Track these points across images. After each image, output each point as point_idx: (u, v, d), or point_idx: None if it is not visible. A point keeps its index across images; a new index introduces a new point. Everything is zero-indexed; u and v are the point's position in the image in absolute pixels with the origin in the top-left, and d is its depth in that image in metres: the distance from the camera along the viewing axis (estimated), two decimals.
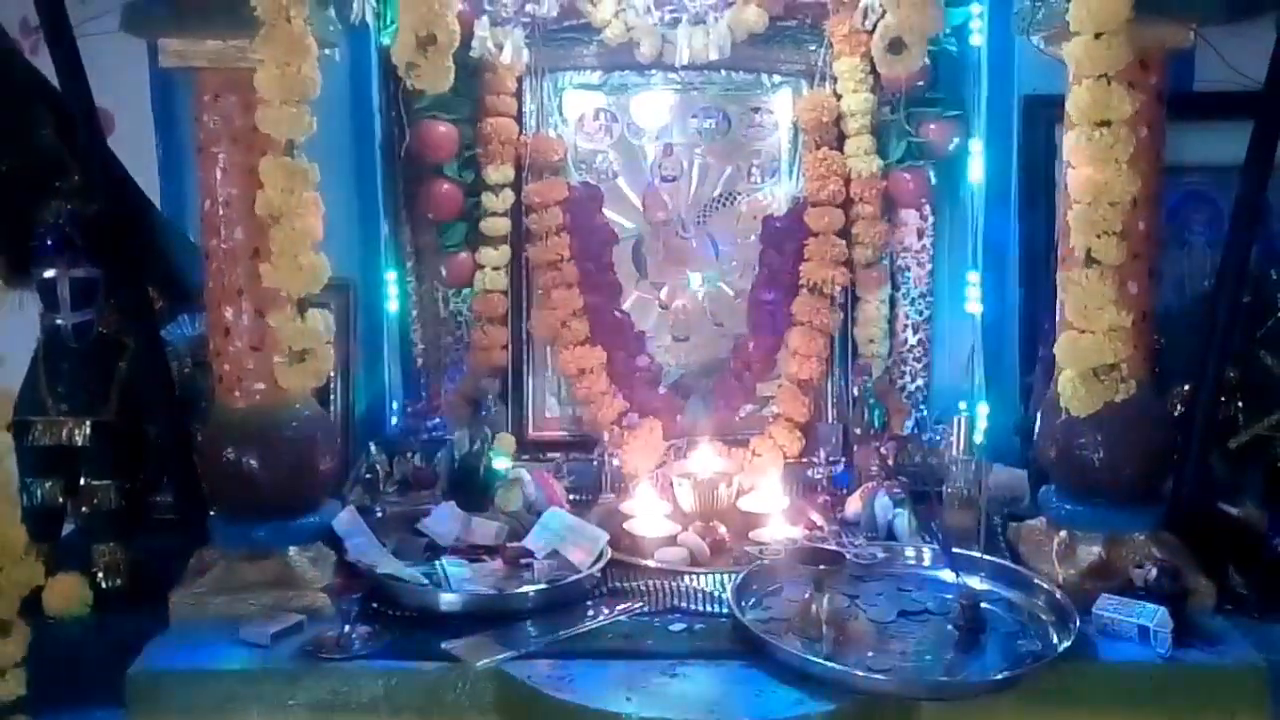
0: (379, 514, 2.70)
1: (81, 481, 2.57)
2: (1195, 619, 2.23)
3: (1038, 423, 2.51)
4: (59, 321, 2.52)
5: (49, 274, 2.50)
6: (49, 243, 2.49)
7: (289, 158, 2.22)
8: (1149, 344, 2.40)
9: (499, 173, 3.10)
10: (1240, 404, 2.60)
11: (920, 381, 3.16)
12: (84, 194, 2.53)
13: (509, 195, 3.11)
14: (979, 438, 2.90)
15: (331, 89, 2.35)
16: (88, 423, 2.55)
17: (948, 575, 2.39)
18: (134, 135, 2.97)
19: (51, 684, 2.15)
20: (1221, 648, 2.18)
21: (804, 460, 3.01)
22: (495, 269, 3.12)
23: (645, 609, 2.36)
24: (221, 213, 2.36)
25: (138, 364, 2.57)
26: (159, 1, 2.32)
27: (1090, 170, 2.14)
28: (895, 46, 2.24)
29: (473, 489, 2.82)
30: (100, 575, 2.50)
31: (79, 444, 2.55)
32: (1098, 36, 2.10)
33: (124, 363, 2.58)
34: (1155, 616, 2.15)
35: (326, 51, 2.38)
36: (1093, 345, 2.16)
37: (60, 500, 2.57)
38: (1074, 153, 2.18)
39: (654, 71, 3.14)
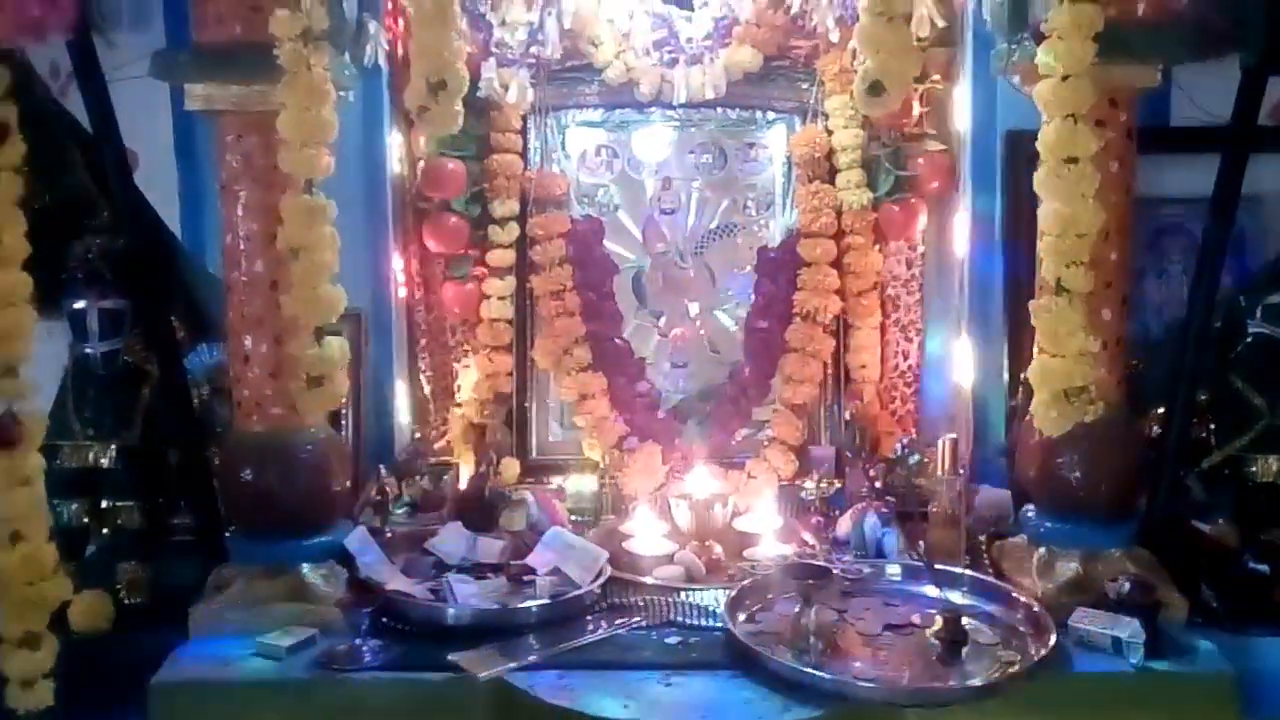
0: (388, 534, 2.79)
1: (105, 503, 2.68)
2: (1168, 631, 2.31)
3: (1018, 444, 2.62)
4: (88, 350, 2.65)
5: (79, 305, 2.64)
6: (79, 276, 2.63)
7: (308, 195, 2.33)
8: (1122, 368, 2.50)
9: (504, 207, 3.22)
10: (1213, 425, 2.70)
11: (910, 406, 3.27)
12: (113, 230, 2.66)
13: (514, 228, 3.24)
14: (965, 460, 3.00)
15: (345, 128, 2.46)
16: (113, 446, 2.67)
17: (931, 590, 2.49)
18: (157, 173, 3.07)
19: (77, 695, 2.27)
20: (1193, 659, 2.26)
21: (798, 482, 3.10)
22: (500, 299, 3.24)
23: (642, 623, 2.45)
24: (242, 247, 2.47)
25: (161, 391, 2.69)
26: (187, 50, 2.47)
27: (1059, 204, 2.25)
28: (875, 89, 2.36)
29: (478, 511, 2.91)
30: (123, 592, 2.60)
31: (104, 466, 2.66)
32: (1065, 79, 2.22)
33: (147, 389, 2.70)
34: (1129, 629, 2.24)
35: (341, 93, 2.50)
36: (1062, 369, 2.26)
37: (85, 520, 2.68)
38: (1044, 187, 2.29)
39: (653, 109, 3.27)
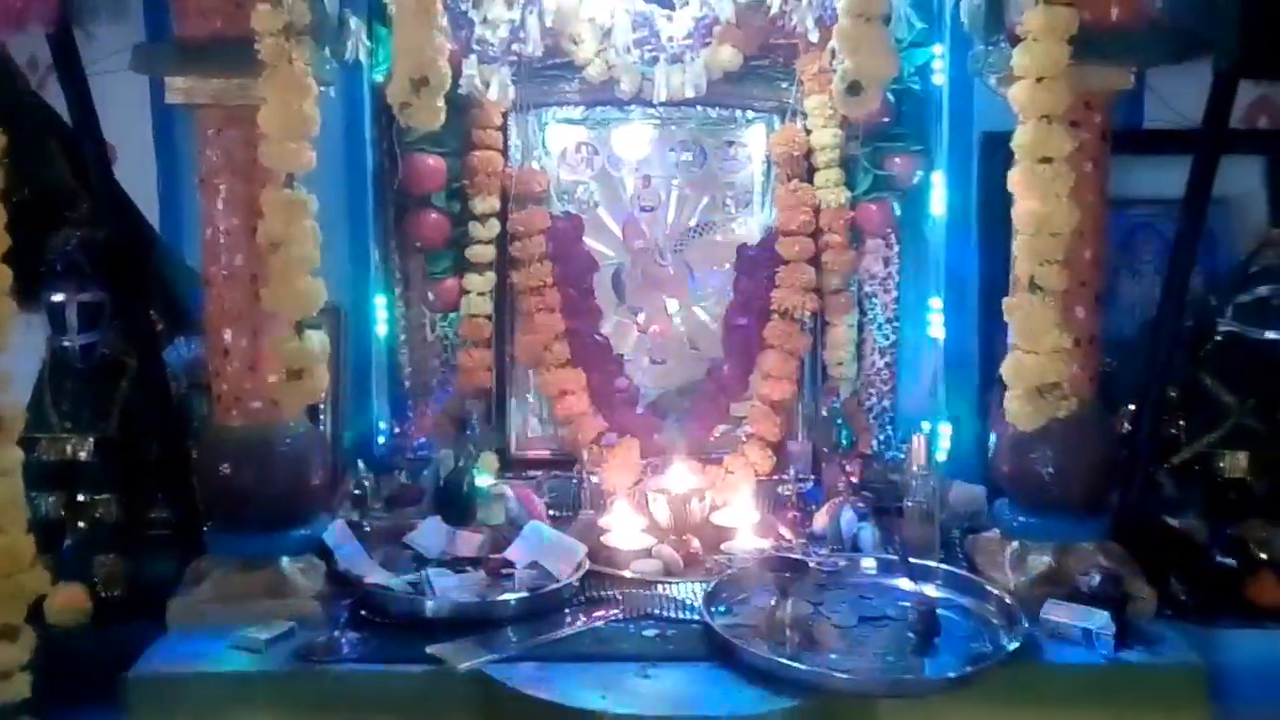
0: (367, 528, 2.79)
1: (83, 496, 2.67)
2: (1137, 623, 2.36)
3: (991, 439, 2.66)
4: (66, 343, 2.65)
5: (58, 298, 2.64)
6: (59, 268, 2.64)
7: (288, 189, 2.34)
8: (1095, 365, 2.53)
9: (485, 203, 3.23)
10: (1183, 422, 2.75)
11: (886, 402, 3.30)
12: (92, 223, 2.66)
13: (494, 224, 3.24)
14: (941, 455, 3.04)
15: (326, 123, 2.45)
16: (90, 440, 2.67)
17: (906, 584, 2.52)
18: (135, 167, 3.07)
19: (54, 688, 2.27)
20: (1161, 650, 2.30)
21: (775, 477, 3.13)
22: (480, 294, 3.25)
23: (621, 616, 2.47)
24: (222, 240, 2.48)
25: (139, 384, 2.69)
26: (168, 44, 2.47)
27: (1033, 203, 2.29)
28: (854, 89, 2.39)
29: (457, 505, 2.92)
30: (100, 585, 2.59)
31: (82, 459, 2.67)
32: (1039, 81, 2.26)
33: (126, 383, 2.71)
34: (1099, 621, 2.28)
35: (322, 89, 2.50)
36: (1035, 365, 2.30)
37: (62, 513, 2.67)
38: (1018, 187, 2.32)
39: (633, 107, 3.28)
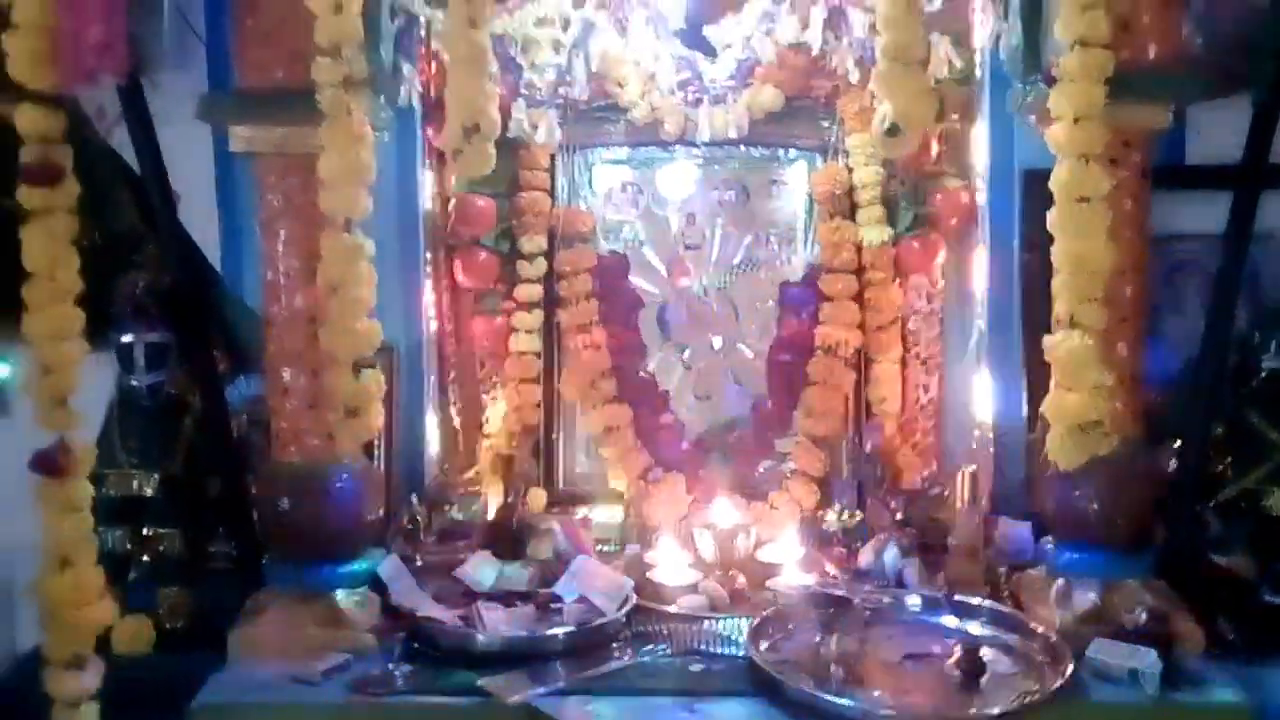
0: (419, 562, 2.85)
1: (148, 530, 2.75)
2: (1184, 662, 2.33)
3: (1036, 476, 2.66)
4: (134, 382, 2.75)
5: (127, 339, 2.73)
6: (127, 310, 2.74)
7: (347, 234, 2.41)
8: (1138, 402, 2.53)
9: (532, 243, 3.31)
10: (1229, 459, 2.74)
11: (931, 439, 3.31)
12: (159, 266, 2.76)
13: (542, 263, 3.32)
14: (985, 492, 3.05)
15: (381, 167, 2.52)
16: (156, 476, 2.75)
17: (951, 621, 2.53)
18: (198, 211, 3.14)
19: (119, 717, 2.34)
20: (1209, 690, 2.27)
21: (819, 513, 3.16)
22: (528, 332, 3.32)
23: (667, 651, 2.50)
24: (282, 282, 2.55)
25: (203, 422, 2.78)
26: (231, 94, 2.57)
27: (1072, 242, 2.30)
28: (892, 131, 2.43)
29: (506, 539, 2.97)
30: (164, 617, 2.65)
31: (147, 495, 2.75)
32: (1076, 121, 2.28)
33: (190, 421, 2.80)
34: (1145, 660, 2.26)
35: (377, 133, 2.57)
36: (1077, 403, 2.31)
37: (128, 547, 2.75)
38: (1057, 226, 2.34)
39: (677, 147, 3.34)
